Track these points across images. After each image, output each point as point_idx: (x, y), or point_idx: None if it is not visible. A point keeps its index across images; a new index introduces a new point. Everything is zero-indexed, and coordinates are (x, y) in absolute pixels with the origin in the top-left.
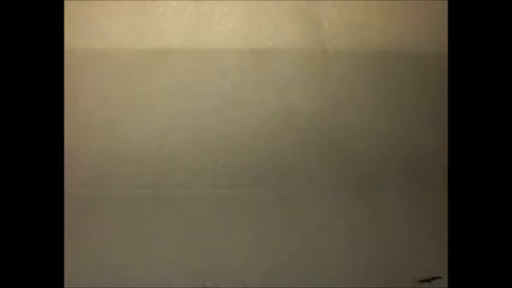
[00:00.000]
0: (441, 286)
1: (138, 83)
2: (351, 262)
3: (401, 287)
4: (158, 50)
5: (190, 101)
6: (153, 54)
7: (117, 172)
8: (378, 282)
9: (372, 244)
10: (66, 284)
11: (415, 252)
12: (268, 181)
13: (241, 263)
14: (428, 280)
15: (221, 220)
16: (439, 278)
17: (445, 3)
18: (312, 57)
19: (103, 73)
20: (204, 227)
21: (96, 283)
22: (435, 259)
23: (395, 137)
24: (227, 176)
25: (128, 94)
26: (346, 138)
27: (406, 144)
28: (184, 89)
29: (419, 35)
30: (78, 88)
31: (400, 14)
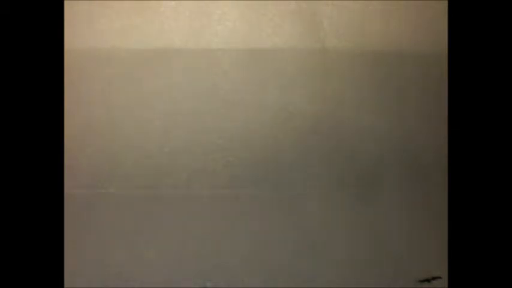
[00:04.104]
0: (441, 286)
1: (138, 83)
2: (350, 262)
3: (401, 287)
4: (158, 50)
5: (190, 101)
6: (153, 54)
7: (117, 172)
8: (377, 282)
9: (372, 244)
10: (66, 284)
11: (415, 252)
12: (268, 181)
13: (241, 263)
14: (428, 280)
15: (221, 220)
16: (439, 278)
17: (445, 3)
18: (312, 57)
19: (103, 73)
20: (204, 227)
21: (96, 283)
22: (435, 259)
23: (395, 137)
24: (227, 176)
25: (128, 94)
26: (346, 138)
27: (406, 144)
28: (184, 89)
29: (419, 35)
30: (78, 88)
31: (400, 14)
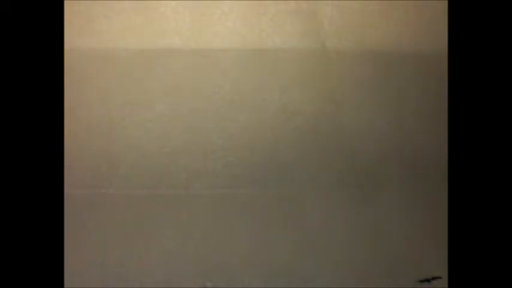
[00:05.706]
0: (441, 286)
1: (138, 83)
2: (350, 262)
3: (401, 287)
4: (158, 50)
5: (190, 101)
6: (153, 54)
7: (117, 172)
8: (377, 282)
9: (372, 244)
10: (66, 284)
11: (415, 252)
12: (268, 181)
13: (241, 263)
14: (428, 280)
15: (221, 220)
16: (439, 278)
17: (445, 3)
18: (312, 57)
19: (103, 73)
20: (204, 227)
21: (96, 283)
22: (435, 259)
23: (395, 137)
24: (227, 176)
25: (128, 94)
26: (346, 138)
27: (406, 144)
28: (184, 89)
29: (419, 35)
30: (78, 88)
31: (400, 14)
